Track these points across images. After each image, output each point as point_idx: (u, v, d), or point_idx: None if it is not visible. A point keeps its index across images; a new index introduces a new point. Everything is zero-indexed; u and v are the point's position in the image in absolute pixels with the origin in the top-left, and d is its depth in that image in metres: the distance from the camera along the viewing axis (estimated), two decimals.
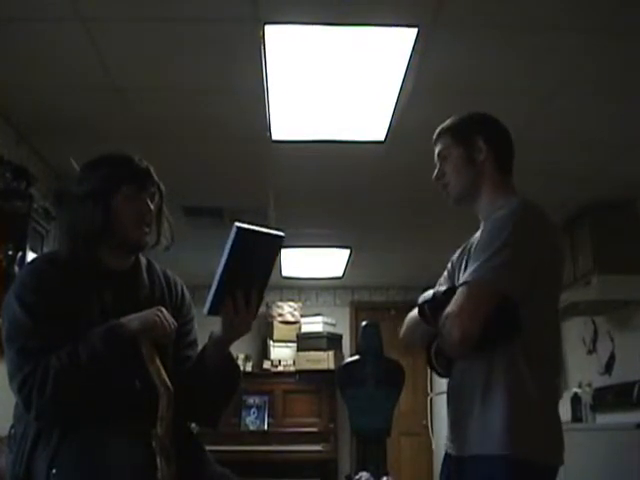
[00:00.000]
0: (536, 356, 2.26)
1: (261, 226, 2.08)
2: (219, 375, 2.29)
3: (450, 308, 2.21)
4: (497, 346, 2.22)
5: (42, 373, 2.04)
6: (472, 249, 2.39)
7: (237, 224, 2.02)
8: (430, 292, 2.35)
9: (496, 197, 2.41)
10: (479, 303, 2.17)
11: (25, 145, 4.77)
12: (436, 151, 2.53)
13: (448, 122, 2.54)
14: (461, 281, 2.25)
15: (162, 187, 2.39)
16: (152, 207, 2.34)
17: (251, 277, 2.15)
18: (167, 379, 2.12)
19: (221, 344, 2.25)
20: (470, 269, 2.24)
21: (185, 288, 2.51)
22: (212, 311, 2.12)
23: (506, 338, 2.22)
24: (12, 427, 2.24)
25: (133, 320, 2.14)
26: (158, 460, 2.04)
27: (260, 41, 3.56)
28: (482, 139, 2.44)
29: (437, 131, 2.54)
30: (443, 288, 2.32)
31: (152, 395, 2.10)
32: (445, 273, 2.60)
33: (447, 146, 2.49)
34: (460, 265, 2.49)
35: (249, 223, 2.05)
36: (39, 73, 3.94)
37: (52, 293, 2.16)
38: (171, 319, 2.20)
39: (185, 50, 3.72)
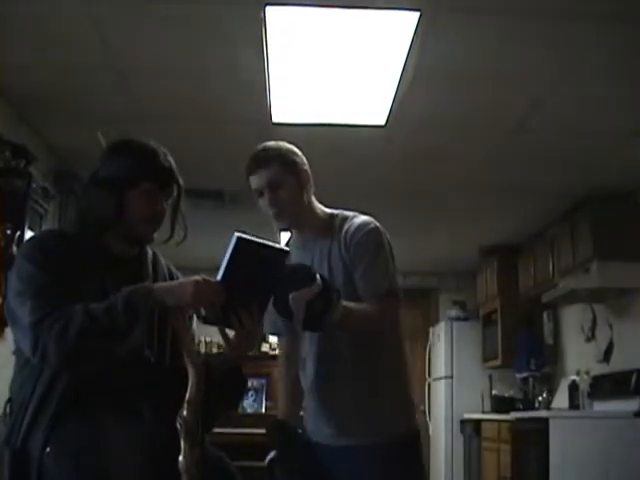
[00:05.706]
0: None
1: (265, 239, 2.05)
2: (224, 384, 2.25)
3: None
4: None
5: (67, 313, 2.00)
6: None
7: (237, 234, 1.99)
8: None
9: None
10: None
11: (25, 124, 4.74)
12: None
13: None
14: None
15: (182, 184, 2.37)
16: (165, 207, 2.33)
17: (252, 290, 2.11)
18: (197, 357, 2.07)
19: (229, 362, 2.25)
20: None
21: None
22: (207, 320, 2.12)
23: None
24: (8, 401, 2.21)
25: (167, 290, 2.10)
26: (182, 445, 1.97)
27: (261, 22, 3.53)
28: None
29: None
30: None
31: (168, 372, 2.08)
32: None
33: None
34: None
35: (250, 234, 2.02)
36: (40, 52, 3.91)
37: (57, 261, 2.14)
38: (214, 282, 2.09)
39: (186, 31, 3.69)
